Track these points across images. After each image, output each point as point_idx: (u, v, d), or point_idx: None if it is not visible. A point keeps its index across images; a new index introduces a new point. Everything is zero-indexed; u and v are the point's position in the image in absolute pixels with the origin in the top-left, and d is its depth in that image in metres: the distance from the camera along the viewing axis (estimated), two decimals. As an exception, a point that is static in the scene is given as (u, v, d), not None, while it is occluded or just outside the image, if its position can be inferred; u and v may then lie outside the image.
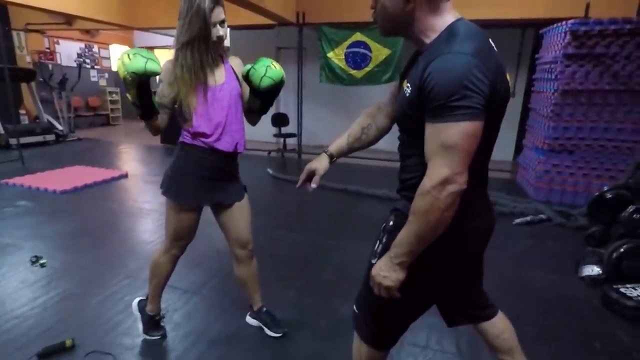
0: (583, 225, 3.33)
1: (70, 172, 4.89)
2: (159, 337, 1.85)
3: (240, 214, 1.72)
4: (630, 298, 2.10)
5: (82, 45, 9.54)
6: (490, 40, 0.95)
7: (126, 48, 10.92)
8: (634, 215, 2.45)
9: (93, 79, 9.78)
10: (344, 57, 5.78)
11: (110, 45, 10.33)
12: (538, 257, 2.91)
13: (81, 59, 9.45)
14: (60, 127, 7.39)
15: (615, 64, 3.77)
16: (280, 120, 6.65)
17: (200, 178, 1.59)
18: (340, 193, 4.30)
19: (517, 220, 3.56)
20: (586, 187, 4.05)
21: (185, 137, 1.57)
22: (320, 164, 1.28)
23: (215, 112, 1.52)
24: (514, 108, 6.32)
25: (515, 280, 2.54)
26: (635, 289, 2.17)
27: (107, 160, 5.97)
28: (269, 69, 1.49)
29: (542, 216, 3.61)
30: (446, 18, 0.94)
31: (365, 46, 5.65)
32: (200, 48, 1.44)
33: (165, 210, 1.65)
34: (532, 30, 5.86)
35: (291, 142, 6.83)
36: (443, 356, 1.80)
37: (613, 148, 3.98)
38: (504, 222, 3.58)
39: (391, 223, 1.08)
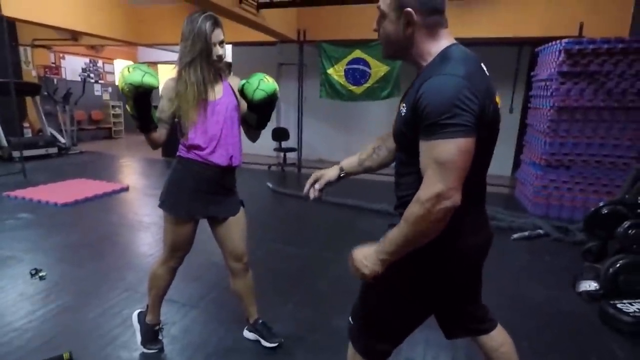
0: (580, 240, 3.34)
1: (71, 185, 4.93)
2: (156, 351, 1.85)
3: (235, 227, 1.75)
4: (627, 314, 2.11)
5: (87, 60, 9.72)
6: (483, 65, 1.02)
7: (130, 63, 11.13)
8: (630, 231, 2.47)
9: (97, 93, 9.92)
10: (343, 73, 5.89)
11: (114, 60, 10.51)
12: (536, 272, 2.91)
13: (86, 74, 9.61)
14: (63, 140, 7.47)
15: (609, 82, 3.85)
16: (280, 134, 6.72)
17: (195, 191, 1.63)
18: (340, 207, 4.32)
19: (515, 236, 3.58)
20: (583, 202, 4.08)
21: (182, 151, 1.63)
22: (328, 172, 1.34)
23: (212, 126, 1.58)
24: (511, 124, 6.40)
25: (513, 295, 2.55)
26: (632, 305, 2.17)
27: (108, 173, 6.02)
28: (261, 82, 1.56)
29: (540, 231, 3.62)
30: (441, 43, 1.01)
31: (365, 63, 5.77)
32: (202, 66, 1.52)
33: (163, 222, 1.69)
34: (528, 48, 5.99)
35: (291, 156, 6.89)
36: (440, 371, 1.80)
37: (609, 164, 4.03)
38: (501, 237, 3.60)
39: None
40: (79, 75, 9.41)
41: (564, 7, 4.88)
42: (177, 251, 1.72)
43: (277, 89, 1.61)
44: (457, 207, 0.90)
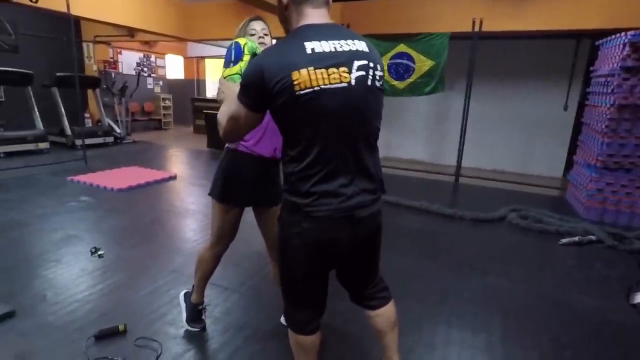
0: (638, 249, 3.11)
1: (126, 172, 5.30)
2: (199, 330, 1.98)
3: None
4: (688, 330, 1.95)
5: (141, 55, 10.30)
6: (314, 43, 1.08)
7: (179, 57, 11.64)
8: (696, 241, 2.27)
9: (149, 86, 10.51)
10: (386, 68, 5.81)
11: (165, 55, 11.05)
12: (584, 280, 2.76)
13: (140, 68, 10.20)
14: (118, 130, 8.02)
15: (681, 78, 3.52)
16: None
17: (241, 180, 1.71)
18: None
19: (564, 240, 3.39)
20: (644, 208, 3.78)
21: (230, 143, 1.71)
22: None
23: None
24: (565, 122, 6.02)
25: (557, 301, 2.43)
26: (694, 321, 2.00)
27: (158, 162, 6.39)
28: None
29: (592, 237, 3.40)
30: (300, 23, 1.12)
31: (409, 57, 5.65)
32: None
33: (212, 209, 1.79)
34: (587, 41, 5.58)
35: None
36: (475, 373, 1.77)
37: (677, 168, 3.69)
38: (549, 242, 3.43)
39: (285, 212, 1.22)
40: (134, 70, 10.01)
41: (630, -4, 4.50)
42: (223, 238, 1.82)
43: None
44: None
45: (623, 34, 3.72)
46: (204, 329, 1.99)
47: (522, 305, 2.38)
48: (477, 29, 5.02)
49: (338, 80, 1.06)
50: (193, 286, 1.98)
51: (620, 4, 4.54)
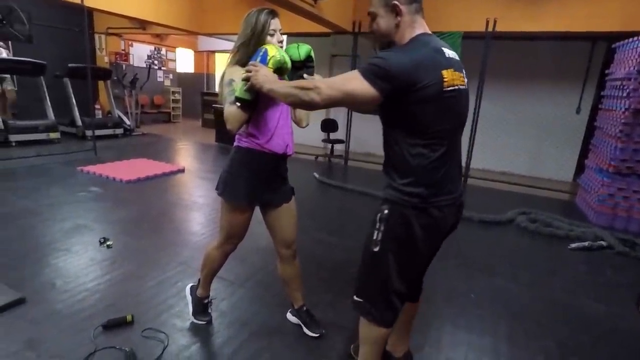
0: (649, 256, 3.06)
1: (135, 164, 5.34)
2: (205, 322, 1.99)
3: (287, 214, 1.81)
4: (700, 340, 1.92)
5: (152, 47, 10.35)
6: (445, 49, 1.24)
7: (190, 51, 11.68)
8: None
9: (159, 79, 10.57)
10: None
11: (176, 49, 11.09)
12: (593, 286, 2.72)
13: (150, 61, 10.25)
14: (128, 122, 8.07)
15: (700, 83, 3.44)
16: (329, 125, 6.77)
17: (254, 178, 1.69)
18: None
19: (573, 245, 3.35)
20: (656, 215, 3.72)
21: (240, 141, 1.68)
22: None
23: (270, 115, 1.64)
24: (577, 125, 5.94)
25: (566, 306, 2.41)
26: None
27: (167, 155, 6.42)
28: (300, 47, 1.61)
29: (602, 243, 3.36)
30: (416, 31, 1.24)
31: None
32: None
33: (221, 209, 1.77)
34: (603, 44, 5.50)
35: (339, 148, 6.92)
36: (481, 375, 1.77)
37: (691, 175, 3.62)
38: (558, 246, 3.39)
39: (386, 212, 1.27)
40: (145, 62, 10.07)
41: (649, -1, 4.41)
42: (233, 237, 1.81)
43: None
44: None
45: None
46: (210, 322, 2.00)
47: (530, 308, 2.36)
48: (490, 29, 4.96)
49: (463, 83, 1.25)
50: (199, 280, 1.99)
51: (638, 6, 4.45)
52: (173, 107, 10.82)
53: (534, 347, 1.99)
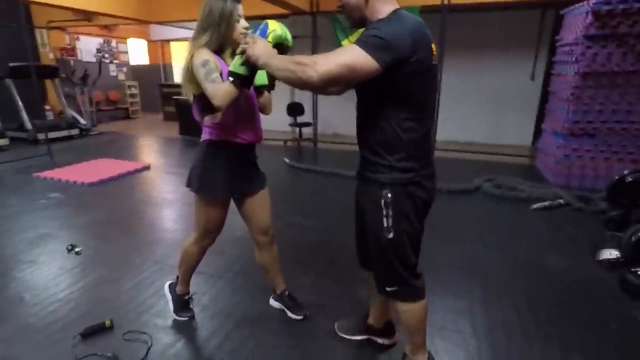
0: (602, 209, 3.30)
1: (95, 165, 5.10)
2: (188, 318, 1.98)
3: (262, 202, 1.81)
4: (648, 281, 2.11)
5: (101, 40, 9.76)
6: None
7: (143, 41, 11.11)
8: (654, 199, 2.42)
9: (112, 74, 10.02)
10: (358, 44, 5.76)
11: (127, 39, 10.52)
12: (555, 242, 2.91)
13: (100, 54, 9.68)
14: (83, 122, 7.65)
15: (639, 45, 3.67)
16: (295, 109, 6.70)
17: (229, 170, 1.66)
18: (354, 181, 4.34)
19: (535, 206, 3.55)
20: (607, 171, 3.99)
21: (211, 134, 1.63)
22: None
23: (242, 102, 1.60)
24: (533, 92, 6.19)
25: (532, 264, 2.57)
26: (654, 272, 2.17)
27: (129, 152, 6.17)
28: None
29: (561, 201, 3.58)
30: (391, 5, 1.22)
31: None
32: (229, 42, 1.57)
33: (196, 206, 1.74)
34: (552, 11, 5.70)
35: (307, 131, 6.89)
36: (460, 336, 1.87)
37: (636, 131, 3.90)
38: (521, 208, 3.59)
39: (389, 195, 1.26)
40: (94, 56, 9.49)
41: (592, -35, 4.58)
42: (211, 232, 1.79)
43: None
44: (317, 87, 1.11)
45: (586, 2, 3.81)
46: (192, 317, 1.99)
47: (499, 269, 2.50)
48: (446, 1, 5.02)
49: (436, 59, 1.24)
50: (177, 277, 1.96)
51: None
52: (131, 102, 10.33)
53: (505, 304, 2.12)
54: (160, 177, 4.80)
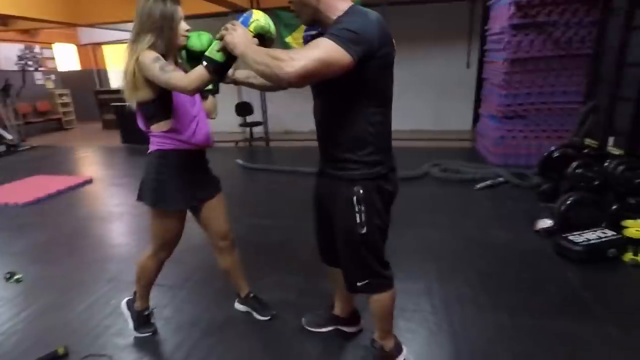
0: (537, 184, 3.62)
1: (29, 183, 4.69)
2: (150, 334, 1.91)
3: (218, 206, 1.79)
4: (577, 243, 2.36)
5: (22, 46, 8.90)
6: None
7: (72, 46, 10.30)
8: (577, 170, 2.71)
9: (39, 82, 9.19)
10: (302, 41, 5.78)
11: (53, 45, 9.69)
12: (498, 217, 3.16)
13: (23, 62, 8.84)
14: (9, 137, 6.98)
15: (556, 31, 4.04)
16: (244, 109, 6.60)
17: (183, 179, 1.61)
18: (309, 177, 4.39)
19: (478, 185, 3.82)
20: (538, 148, 4.35)
21: (160, 144, 1.56)
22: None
23: (190, 106, 1.57)
24: (469, 79, 6.58)
25: (478, 239, 2.77)
26: (581, 235, 2.43)
27: (67, 166, 5.74)
28: (200, 35, 1.50)
29: (501, 179, 3.88)
30: (346, 1, 1.21)
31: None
32: (171, 46, 1.51)
33: (151, 220, 1.67)
34: (480, 3, 6.08)
35: (258, 130, 6.81)
36: (420, 315, 1.98)
37: (559, 110, 4.30)
38: (467, 188, 3.83)
39: (361, 191, 1.28)
40: (15, 65, 8.65)
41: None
42: (168, 245, 1.74)
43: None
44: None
45: (508, -6, 4.11)
46: (155, 332, 1.92)
47: (451, 249, 2.67)
48: (383, -4, 5.18)
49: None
50: (135, 293, 1.88)
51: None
52: (63, 112, 9.55)
53: (459, 280, 2.27)
54: (105, 190, 4.53)
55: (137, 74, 1.42)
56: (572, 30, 4.01)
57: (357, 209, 1.29)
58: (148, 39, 1.43)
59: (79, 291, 2.32)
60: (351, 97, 1.21)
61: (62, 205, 3.95)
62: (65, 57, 10.38)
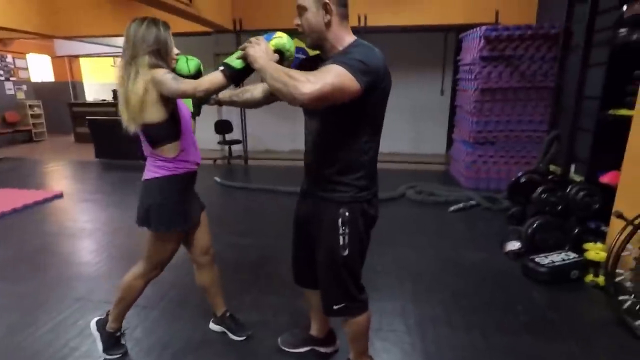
0: (506, 207, 3.78)
1: (-7, 197, 4.47)
2: (119, 356, 1.84)
3: (203, 223, 1.81)
4: (543, 265, 2.48)
5: (-7, 55, 8.63)
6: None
7: (46, 57, 10.08)
8: (542, 195, 2.87)
9: (9, 92, 8.89)
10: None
11: (27, 55, 9.45)
12: (472, 238, 3.27)
13: (-7, 71, 8.55)
14: (-26, 148, 6.66)
15: (522, 65, 4.33)
16: (223, 127, 6.60)
17: (184, 202, 1.65)
18: (290, 195, 4.42)
19: (452, 208, 3.94)
20: (507, 173, 4.57)
21: (162, 169, 1.57)
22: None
23: (187, 126, 1.62)
24: (443, 105, 6.89)
25: (452, 260, 2.85)
26: (547, 257, 2.55)
27: (36, 180, 5.52)
28: (189, 60, 1.61)
29: (473, 202, 4.03)
30: (351, 35, 1.30)
31: (304, 52, 5.74)
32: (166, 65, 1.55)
33: (151, 242, 1.66)
34: (453, 35, 6.44)
35: (237, 148, 6.81)
36: (395, 335, 2.00)
37: (526, 138, 4.55)
38: (440, 210, 3.95)
39: (347, 214, 1.32)
40: (-15, 73, 8.36)
41: (481, -4, 5.32)
42: (162, 264, 1.74)
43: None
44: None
45: (478, 28, 4.40)
46: (125, 354, 1.86)
47: (427, 269, 2.74)
48: (362, 24, 5.41)
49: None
50: (107, 314, 1.82)
51: (475, 3, 5.34)
52: (34, 124, 9.23)
53: (434, 300, 2.32)
54: (76, 206, 4.38)
55: (151, 92, 1.43)
56: (536, 64, 4.30)
57: (341, 231, 1.32)
58: (147, 60, 1.46)
59: (44, 311, 2.22)
60: (351, 124, 1.27)
61: (29, 221, 3.79)
62: (39, 68, 10.12)
